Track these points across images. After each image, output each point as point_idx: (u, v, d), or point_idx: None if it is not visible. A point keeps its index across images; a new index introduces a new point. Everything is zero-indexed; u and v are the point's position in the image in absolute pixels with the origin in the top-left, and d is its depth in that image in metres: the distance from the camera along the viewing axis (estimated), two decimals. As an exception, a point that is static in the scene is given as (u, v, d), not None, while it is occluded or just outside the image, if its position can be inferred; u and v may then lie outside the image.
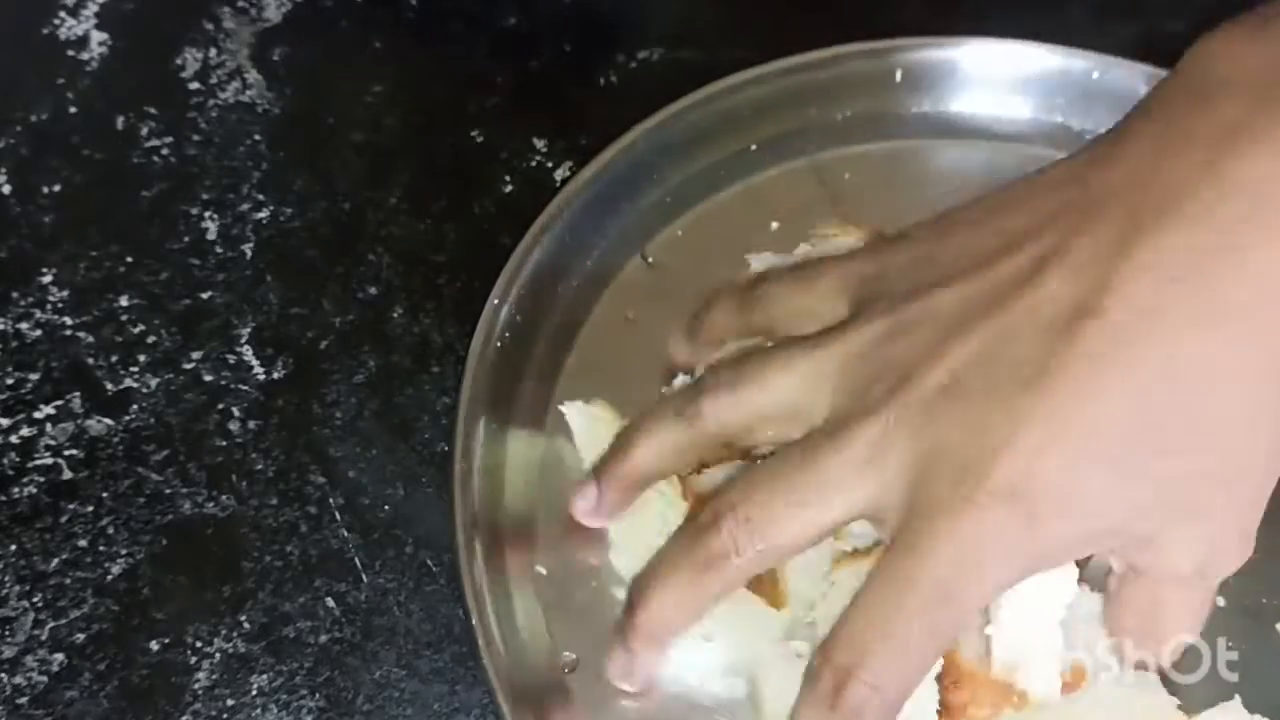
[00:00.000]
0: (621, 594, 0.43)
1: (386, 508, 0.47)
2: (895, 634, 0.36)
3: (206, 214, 0.54)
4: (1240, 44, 0.39)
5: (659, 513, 0.44)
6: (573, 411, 0.46)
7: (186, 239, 0.53)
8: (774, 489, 0.39)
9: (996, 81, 0.56)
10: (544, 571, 0.45)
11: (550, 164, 0.56)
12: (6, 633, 0.44)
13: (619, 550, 0.44)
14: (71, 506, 0.47)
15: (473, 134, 0.57)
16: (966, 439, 0.36)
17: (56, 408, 0.49)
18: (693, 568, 0.39)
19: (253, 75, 0.58)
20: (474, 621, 0.41)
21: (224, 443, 0.48)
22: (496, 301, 0.48)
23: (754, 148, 0.54)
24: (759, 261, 0.49)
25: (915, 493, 0.37)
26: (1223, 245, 0.35)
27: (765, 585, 0.42)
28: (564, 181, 0.54)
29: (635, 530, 0.44)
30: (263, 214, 0.54)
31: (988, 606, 0.38)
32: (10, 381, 0.49)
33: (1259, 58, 0.38)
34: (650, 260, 0.52)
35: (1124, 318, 0.35)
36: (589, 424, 0.46)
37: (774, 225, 0.53)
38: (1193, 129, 0.37)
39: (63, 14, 0.59)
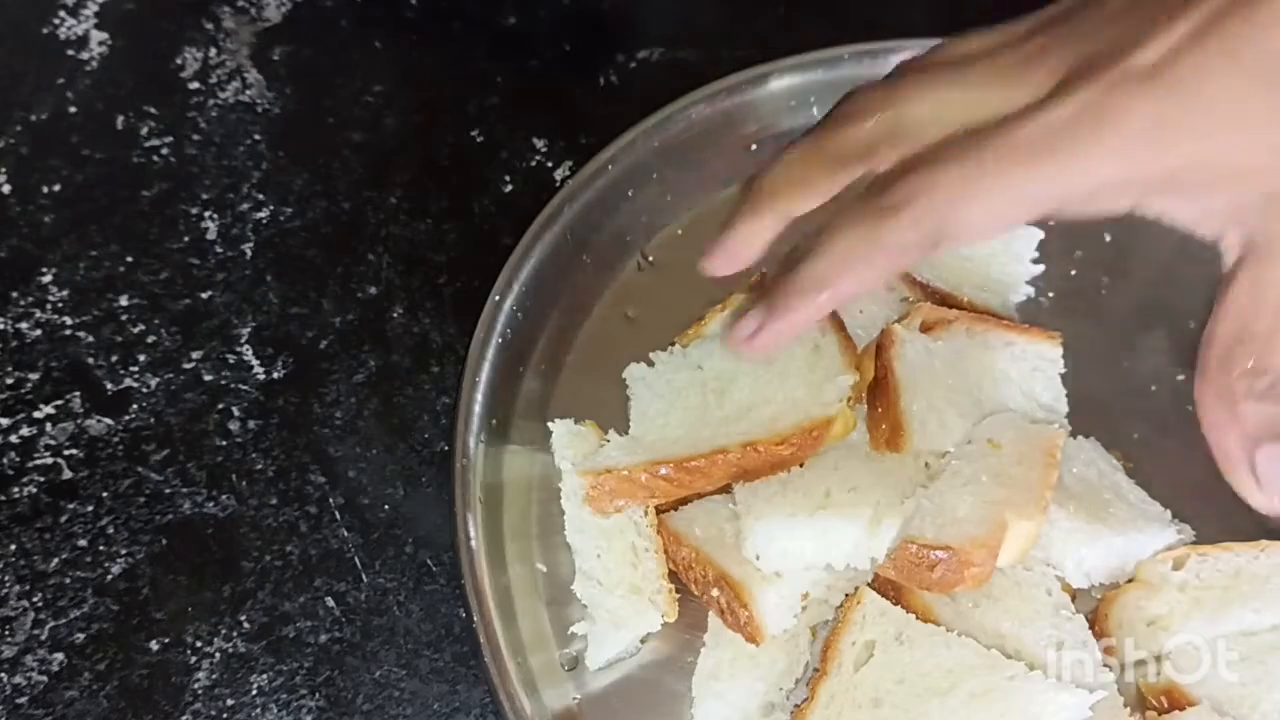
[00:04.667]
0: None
1: (386, 508, 0.47)
2: (981, 154, 0.34)
3: (206, 214, 0.54)
4: None
5: (630, 544, 0.44)
6: (560, 429, 0.46)
7: (186, 239, 0.53)
8: (906, 77, 0.37)
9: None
10: (544, 569, 0.45)
11: (550, 164, 0.56)
12: (6, 633, 0.44)
13: (584, 578, 0.44)
14: (71, 506, 0.47)
15: (473, 134, 0.57)
16: (1125, 28, 0.34)
17: (56, 407, 0.49)
18: (867, 219, 0.36)
19: (253, 75, 0.58)
20: (475, 620, 0.42)
21: (224, 442, 0.48)
22: (498, 299, 0.48)
23: (753, 147, 0.54)
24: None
25: (1058, 84, 0.34)
26: None
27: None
28: (564, 181, 0.54)
29: (606, 566, 0.43)
30: (263, 214, 0.54)
31: None
32: (10, 381, 0.49)
33: None
34: (650, 259, 0.52)
35: None
36: (571, 439, 0.46)
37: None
38: None
39: (63, 14, 0.59)
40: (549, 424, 0.46)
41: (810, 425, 0.43)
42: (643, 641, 0.43)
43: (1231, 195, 0.35)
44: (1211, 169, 0.34)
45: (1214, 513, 0.45)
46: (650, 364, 0.47)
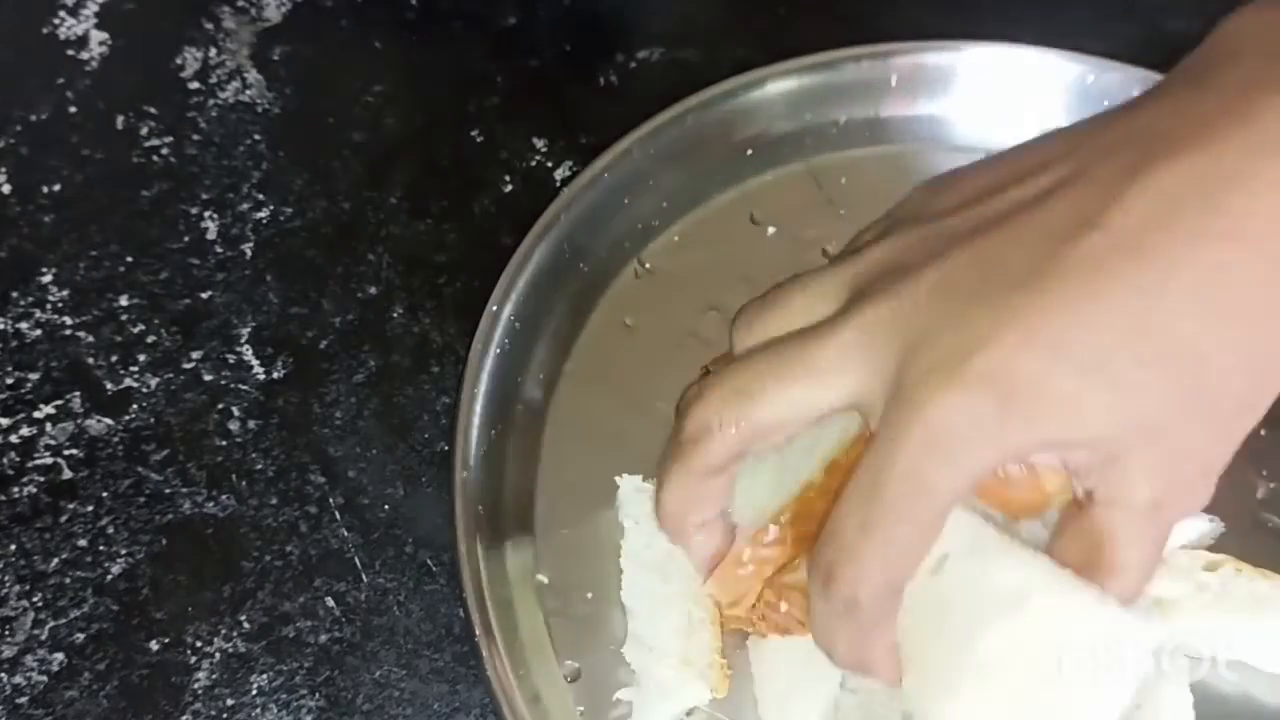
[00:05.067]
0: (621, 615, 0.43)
1: (386, 507, 0.47)
2: (873, 525, 0.36)
3: (206, 214, 0.54)
4: (1265, 15, 0.39)
5: (686, 613, 0.43)
6: (627, 486, 0.45)
7: (186, 239, 0.53)
8: (763, 367, 0.39)
9: (992, 86, 0.55)
10: (545, 580, 0.45)
11: (550, 164, 0.56)
12: (6, 633, 0.44)
13: (636, 643, 0.43)
14: (71, 506, 0.47)
15: (473, 134, 0.57)
16: (951, 330, 0.36)
17: (56, 407, 0.49)
18: (679, 450, 0.40)
19: (253, 75, 0.58)
20: (477, 634, 0.41)
21: (224, 442, 0.48)
22: (495, 309, 0.48)
23: (750, 152, 0.54)
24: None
25: (896, 381, 0.36)
26: (1234, 172, 0.35)
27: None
28: (563, 182, 0.54)
29: (660, 633, 0.42)
30: (263, 214, 0.54)
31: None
32: (10, 381, 0.49)
33: None
34: (647, 266, 0.52)
35: (1125, 230, 0.35)
36: (637, 496, 0.45)
37: (770, 230, 0.53)
38: (1215, 82, 0.37)
39: (63, 14, 0.59)
40: (616, 479, 0.45)
41: None
42: (689, 715, 0.42)
43: (1079, 456, 0.37)
44: (1052, 445, 0.37)
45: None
46: None
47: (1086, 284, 0.35)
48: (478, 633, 0.41)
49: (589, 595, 0.44)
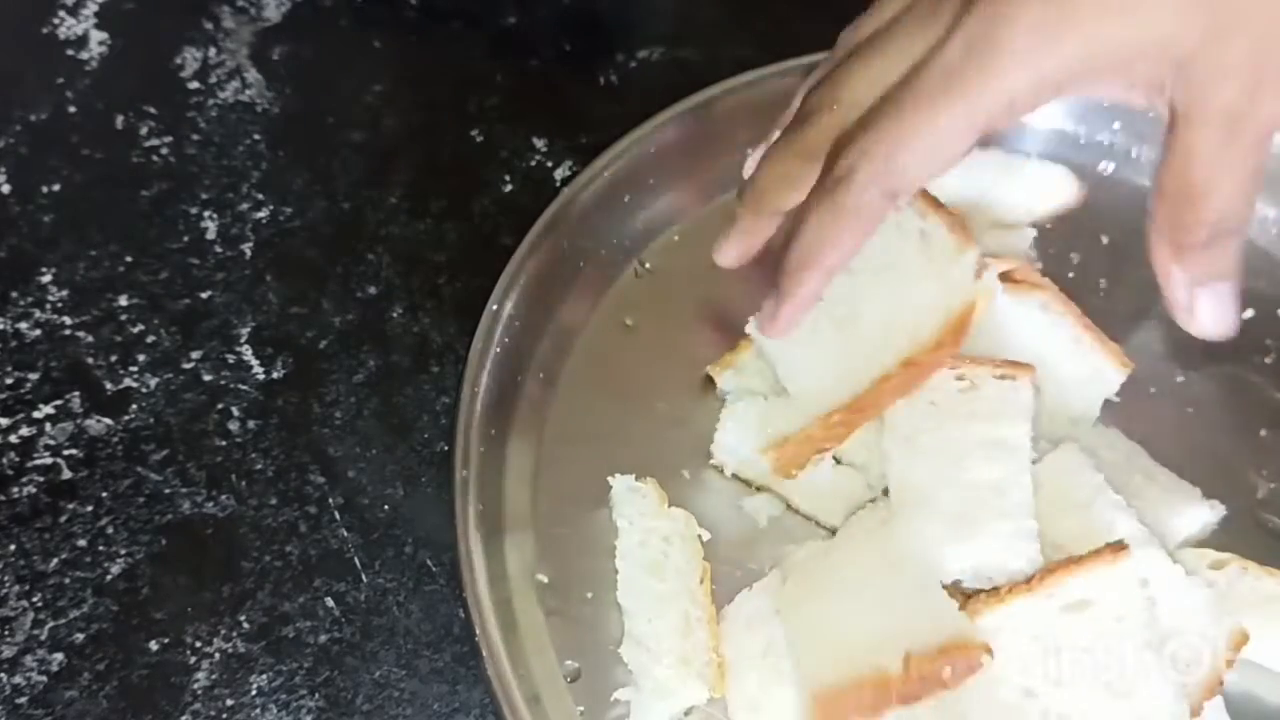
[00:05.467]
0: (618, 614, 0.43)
1: (386, 508, 0.47)
2: (901, 110, 0.37)
3: (206, 214, 0.54)
4: None
5: (683, 613, 0.43)
6: (620, 486, 0.46)
7: (186, 239, 0.53)
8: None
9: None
10: (545, 580, 0.45)
11: (550, 163, 0.56)
12: (6, 633, 0.44)
13: (632, 643, 0.43)
14: (71, 506, 0.47)
15: (473, 134, 0.57)
16: None
17: (56, 407, 0.49)
18: (795, 125, 0.41)
19: (252, 75, 0.58)
20: (477, 634, 0.41)
21: (224, 443, 0.48)
22: (495, 308, 0.48)
23: (749, 152, 0.54)
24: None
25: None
26: None
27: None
28: (563, 182, 0.54)
29: (657, 633, 0.43)
30: (262, 214, 0.54)
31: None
32: (10, 381, 0.49)
33: None
34: (647, 266, 0.52)
35: None
36: (630, 496, 0.45)
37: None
38: None
39: (62, 14, 0.59)
40: (609, 479, 0.45)
41: (954, 317, 0.42)
42: (686, 714, 0.42)
43: (1143, 71, 0.36)
44: (1110, 55, 0.36)
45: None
46: None
47: None
48: (478, 633, 0.41)
49: (589, 595, 0.44)
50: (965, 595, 0.41)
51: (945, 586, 0.40)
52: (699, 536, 0.44)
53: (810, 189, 0.40)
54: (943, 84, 0.36)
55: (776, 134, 0.44)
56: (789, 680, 0.41)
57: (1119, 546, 0.40)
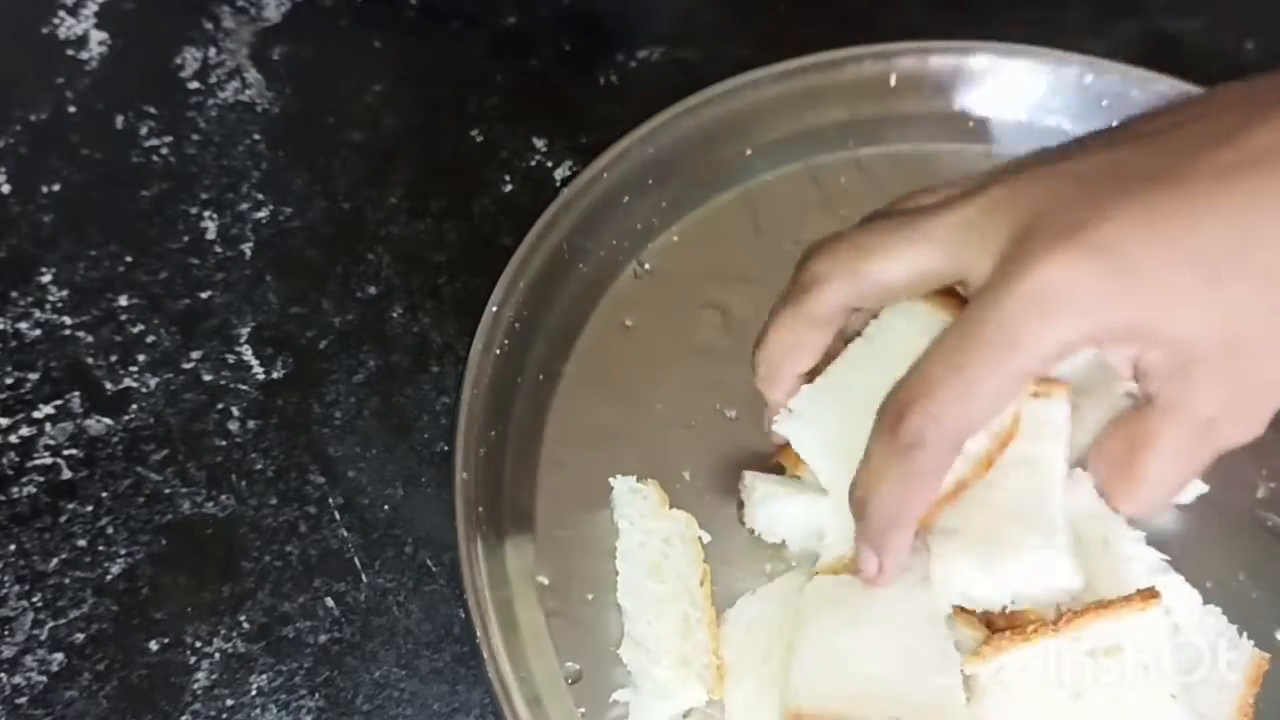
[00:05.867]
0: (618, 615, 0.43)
1: (386, 508, 0.47)
2: (960, 367, 0.37)
3: (206, 214, 0.54)
4: None
5: (683, 614, 0.43)
6: (621, 487, 0.45)
7: (186, 239, 0.53)
8: (882, 229, 0.40)
9: (991, 85, 0.56)
10: (545, 581, 0.45)
11: (550, 163, 0.56)
12: (6, 633, 0.44)
13: (632, 644, 0.43)
14: (71, 506, 0.47)
15: (473, 134, 0.57)
16: (1073, 208, 0.37)
17: (56, 407, 0.49)
18: (793, 294, 0.42)
19: (252, 75, 0.58)
20: (477, 635, 0.41)
21: (224, 443, 0.48)
22: (495, 310, 0.48)
23: (749, 152, 0.54)
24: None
25: (1011, 247, 0.37)
26: None
27: None
28: (563, 182, 0.54)
29: (656, 634, 0.42)
30: (262, 214, 0.54)
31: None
32: (10, 381, 0.49)
33: None
34: (646, 267, 0.52)
35: (1256, 148, 0.36)
36: (631, 497, 0.45)
37: (768, 231, 0.53)
38: None
39: (62, 14, 0.59)
40: (610, 481, 0.45)
41: (1004, 432, 0.42)
42: (685, 716, 0.42)
43: (1156, 356, 0.38)
44: (1145, 335, 0.38)
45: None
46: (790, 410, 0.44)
47: (1214, 188, 0.36)
48: (478, 634, 0.41)
49: (589, 596, 0.44)
50: (990, 630, 0.40)
51: (969, 617, 0.40)
52: (699, 538, 0.44)
53: (870, 444, 0.40)
54: (1006, 342, 0.37)
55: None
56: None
57: (1150, 594, 0.39)
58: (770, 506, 0.44)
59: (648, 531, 0.44)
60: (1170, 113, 0.40)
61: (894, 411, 0.38)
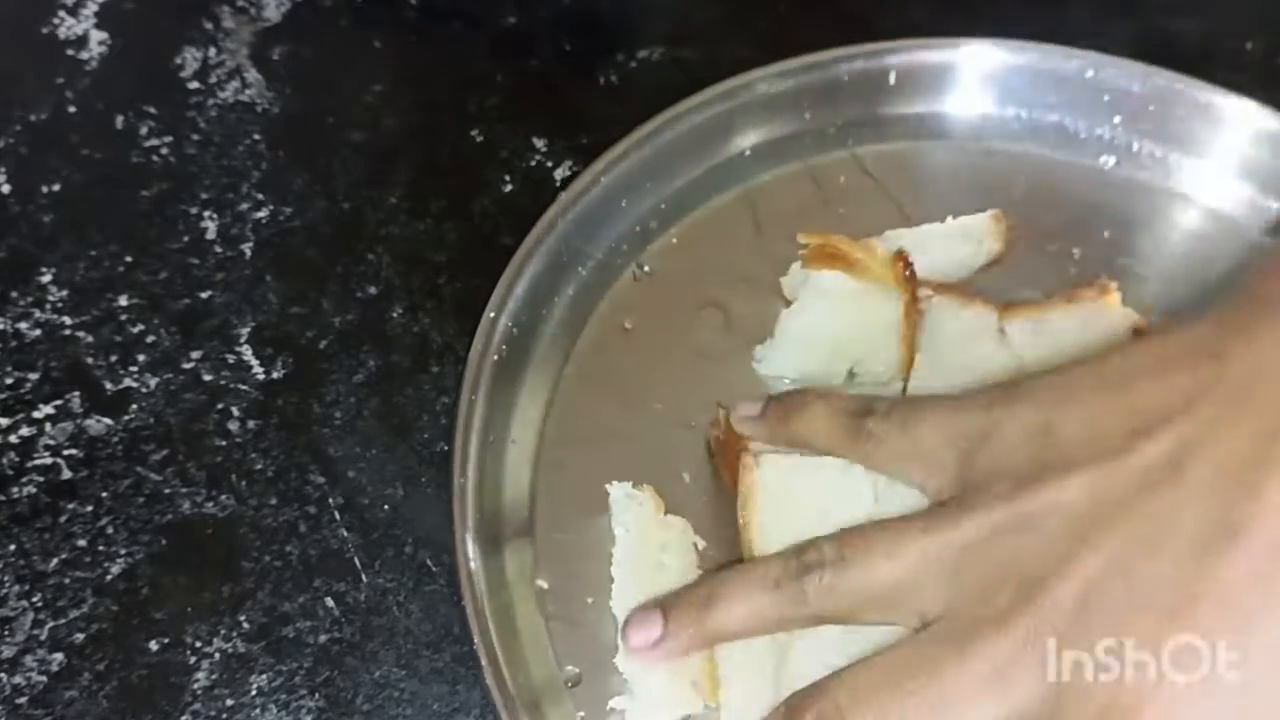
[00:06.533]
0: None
1: (386, 507, 0.47)
2: None
3: (206, 214, 0.54)
4: None
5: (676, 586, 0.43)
6: (617, 493, 0.45)
7: (186, 239, 0.53)
8: (889, 698, 0.36)
9: (990, 83, 0.55)
10: (545, 585, 0.45)
11: (550, 163, 0.56)
12: (6, 633, 0.44)
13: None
14: (71, 506, 0.47)
15: (473, 134, 0.57)
16: (1103, 686, 0.33)
17: (56, 407, 0.49)
18: None
19: (252, 75, 0.58)
20: (476, 640, 0.41)
21: (223, 442, 0.48)
22: (493, 315, 0.48)
23: (748, 153, 0.54)
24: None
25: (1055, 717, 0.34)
26: None
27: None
28: (563, 182, 0.54)
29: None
30: (262, 214, 0.54)
31: None
32: (9, 381, 0.49)
33: None
34: (646, 269, 0.52)
35: (1276, 536, 0.32)
36: (628, 504, 0.45)
37: (768, 232, 0.53)
38: None
39: (62, 13, 0.59)
40: (607, 486, 0.45)
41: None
42: None
43: None
44: None
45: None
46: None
47: (1241, 607, 0.32)
48: (476, 639, 0.41)
49: (589, 600, 0.44)
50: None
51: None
52: (695, 545, 0.44)
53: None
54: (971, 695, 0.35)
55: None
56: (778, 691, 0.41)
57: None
58: None
59: (644, 538, 0.44)
60: (1091, 417, 0.36)
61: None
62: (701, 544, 0.44)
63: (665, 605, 0.42)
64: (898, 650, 0.37)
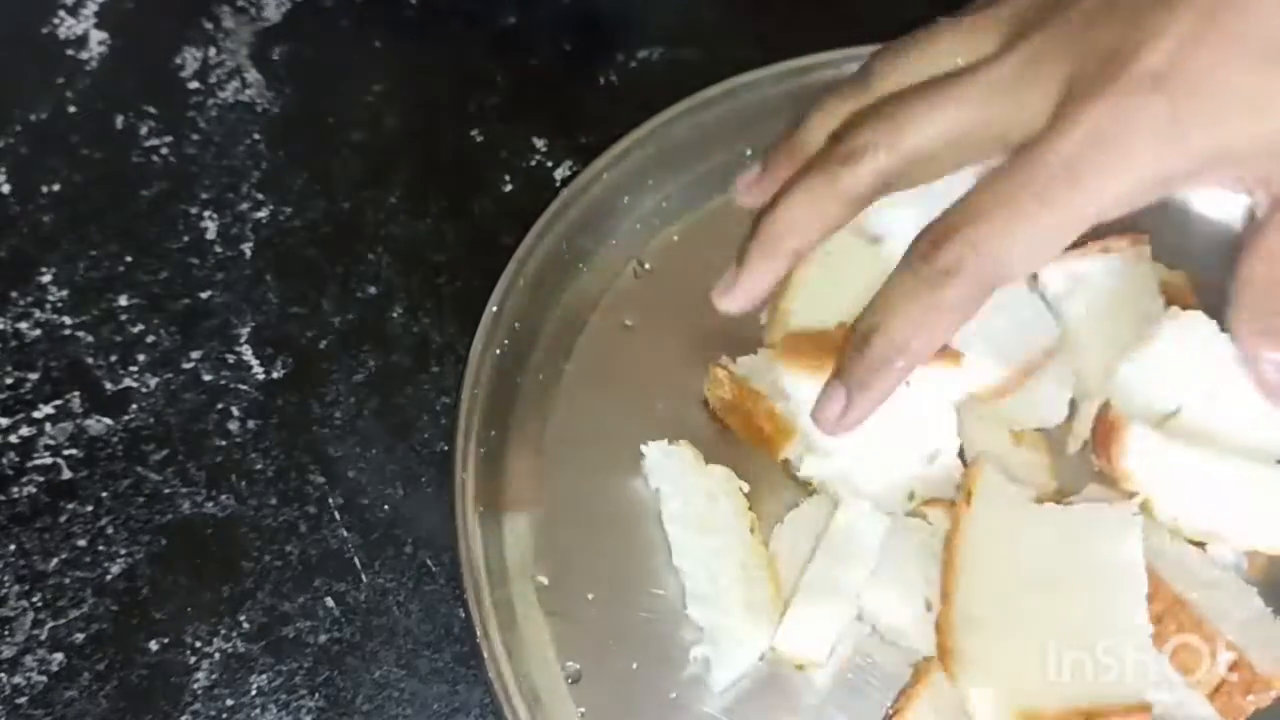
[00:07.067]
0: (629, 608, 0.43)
1: (386, 508, 0.47)
2: (1012, 201, 0.34)
3: (206, 214, 0.54)
4: None
5: (740, 563, 0.43)
6: (653, 451, 0.46)
7: (186, 239, 0.53)
8: (917, 96, 0.37)
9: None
10: (545, 581, 0.45)
11: (550, 163, 0.56)
12: (6, 633, 0.44)
13: (698, 602, 0.43)
14: (71, 506, 0.47)
15: (473, 134, 0.57)
16: (1119, 34, 0.34)
17: (56, 407, 0.49)
18: (822, 166, 0.38)
19: (252, 75, 0.58)
20: (478, 636, 0.41)
21: (224, 443, 0.48)
22: (495, 310, 0.48)
23: (748, 152, 0.54)
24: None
25: (1063, 87, 0.35)
26: None
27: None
28: (564, 182, 0.54)
29: (719, 587, 0.43)
30: (262, 214, 0.54)
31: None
32: (9, 381, 0.49)
33: None
34: (647, 266, 0.52)
35: None
36: (666, 460, 0.45)
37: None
38: None
39: (62, 14, 0.59)
40: (642, 447, 0.45)
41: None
42: (761, 659, 0.43)
43: (1255, 165, 0.36)
44: (1234, 151, 0.35)
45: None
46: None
47: None
48: (478, 635, 0.41)
49: (590, 596, 0.44)
50: None
51: None
52: (740, 489, 0.45)
53: (896, 273, 0.37)
54: (1064, 178, 0.34)
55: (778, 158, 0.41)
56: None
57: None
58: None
59: (689, 490, 0.45)
60: None
61: (930, 239, 0.35)
62: (746, 488, 0.45)
63: (738, 253, 0.40)
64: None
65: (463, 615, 0.43)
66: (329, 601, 0.45)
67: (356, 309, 0.52)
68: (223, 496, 0.47)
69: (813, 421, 0.39)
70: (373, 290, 0.52)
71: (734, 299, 0.40)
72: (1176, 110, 0.34)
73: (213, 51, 0.58)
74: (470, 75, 0.58)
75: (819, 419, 0.39)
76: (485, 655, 0.41)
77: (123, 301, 0.51)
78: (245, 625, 0.44)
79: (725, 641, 0.42)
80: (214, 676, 0.43)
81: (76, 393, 0.49)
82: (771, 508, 0.45)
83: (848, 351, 0.38)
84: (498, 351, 0.47)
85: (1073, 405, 0.47)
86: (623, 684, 0.42)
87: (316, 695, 0.43)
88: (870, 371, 0.37)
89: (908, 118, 0.37)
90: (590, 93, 0.58)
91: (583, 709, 0.42)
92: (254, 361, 0.50)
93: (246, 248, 0.53)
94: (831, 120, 0.39)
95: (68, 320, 0.51)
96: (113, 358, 0.50)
